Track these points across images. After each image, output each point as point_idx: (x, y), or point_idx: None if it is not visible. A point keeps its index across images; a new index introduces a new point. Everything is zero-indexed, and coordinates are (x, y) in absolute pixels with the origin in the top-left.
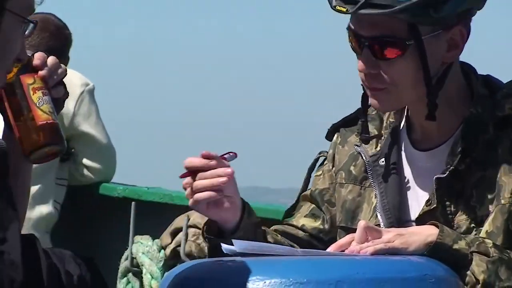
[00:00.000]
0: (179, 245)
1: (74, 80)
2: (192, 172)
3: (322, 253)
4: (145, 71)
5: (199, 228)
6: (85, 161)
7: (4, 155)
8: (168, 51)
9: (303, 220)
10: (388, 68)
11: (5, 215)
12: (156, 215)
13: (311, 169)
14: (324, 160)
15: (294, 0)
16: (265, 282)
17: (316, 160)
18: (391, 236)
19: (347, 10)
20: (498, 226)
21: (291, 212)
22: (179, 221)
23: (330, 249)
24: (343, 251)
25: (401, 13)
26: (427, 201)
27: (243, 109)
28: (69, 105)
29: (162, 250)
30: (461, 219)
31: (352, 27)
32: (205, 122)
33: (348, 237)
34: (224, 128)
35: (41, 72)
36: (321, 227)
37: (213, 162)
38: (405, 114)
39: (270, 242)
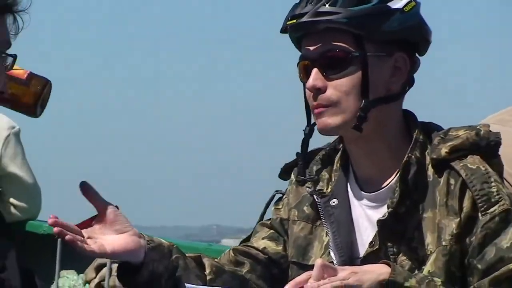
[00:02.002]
0: (103, 280)
1: (0, 123)
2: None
3: None
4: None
5: None
6: (12, 200)
7: None
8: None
9: (263, 242)
10: (334, 82)
11: (3, 245)
12: None
13: (267, 205)
14: (281, 196)
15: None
16: None
17: (273, 197)
18: (346, 274)
19: (296, 21)
20: (440, 266)
21: (246, 240)
22: None
23: (288, 286)
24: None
25: (346, 21)
26: (371, 242)
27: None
28: None
29: (87, 284)
30: (403, 259)
31: (302, 54)
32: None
33: (305, 275)
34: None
35: None
36: (283, 252)
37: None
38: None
39: (204, 267)
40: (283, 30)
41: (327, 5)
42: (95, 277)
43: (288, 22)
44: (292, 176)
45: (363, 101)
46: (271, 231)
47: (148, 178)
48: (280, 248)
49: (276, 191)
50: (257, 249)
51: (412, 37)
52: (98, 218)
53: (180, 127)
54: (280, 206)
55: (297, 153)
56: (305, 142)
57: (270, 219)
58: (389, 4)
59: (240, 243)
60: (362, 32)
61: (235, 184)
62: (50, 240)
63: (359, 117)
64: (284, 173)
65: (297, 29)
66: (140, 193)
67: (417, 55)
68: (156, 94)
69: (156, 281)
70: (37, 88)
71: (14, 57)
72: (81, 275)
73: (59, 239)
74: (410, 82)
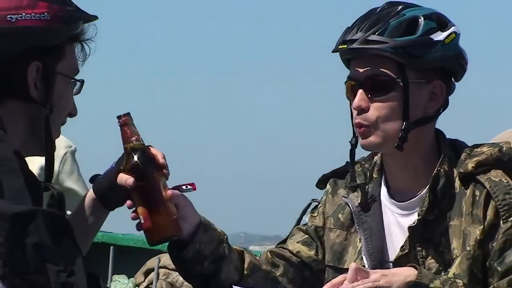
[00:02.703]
0: (151, 283)
1: (59, 142)
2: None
3: None
4: None
5: (169, 269)
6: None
7: (63, 200)
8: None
9: (298, 246)
10: (377, 104)
11: (72, 252)
12: (131, 257)
13: (303, 212)
14: (317, 204)
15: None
16: None
17: (309, 204)
18: (377, 276)
19: (347, 46)
20: (464, 269)
21: (283, 242)
22: (151, 262)
23: (325, 287)
24: None
25: (392, 50)
26: (402, 247)
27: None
28: (55, 164)
29: (137, 287)
30: (431, 262)
31: (350, 75)
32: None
33: (340, 277)
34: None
35: (166, 172)
36: (315, 257)
37: None
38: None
39: (245, 261)
40: (334, 51)
41: (376, 34)
42: (143, 281)
43: (340, 46)
44: (328, 186)
45: (404, 123)
46: (306, 236)
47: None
48: (312, 253)
49: (313, 199)
50: (291, 252)
51: (450, 66)
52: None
53: (211, 140)
54: (316, 214)
55: (347, 162)
56: (352, 152)
57: (305, 224)
58: (432, 36)
59: (277, 245)
60: (405, 61)
61: (261, 194)
62: (103, 248)
63: (401, 137)
64: (322, 183)
65: (347, 53)
66: None
67: (453, 80)
68: (181, 101)
69: (200, 261)
70: (172, 232)
71: (82, 82)
72: (131, 279)
73: (111, 247)
74: (444, 105)
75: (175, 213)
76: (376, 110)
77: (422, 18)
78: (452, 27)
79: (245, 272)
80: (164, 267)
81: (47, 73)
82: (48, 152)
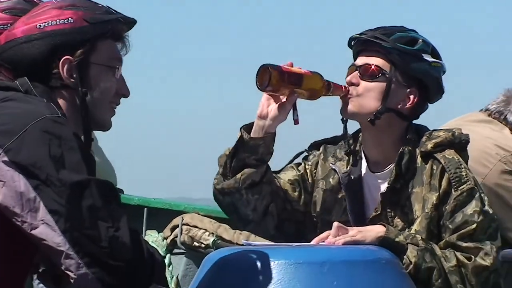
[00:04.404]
0: (176, 236)
1: None
2: None
3: (309, 245)
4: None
5: (190, 226)
6: None
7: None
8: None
9: (286, 185)
10: (365, 83)
11: (118, 212)
12: (160, 216)
13: (297, 155)
14: (307, 156)
15: None
16: (273, 263)
17: (302, 152)
18: (354, 232)
19: (360, 35)
20: (423, 226)
21: (277, 172)
22: (176, 220)
23: (314, 241)
24: (323, 242)
25: (390, 48)
26: (375, 208)
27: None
28: None
29: (165, 240)
30: (398, 221)
31: (353, 62)
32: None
33: (325, 233)
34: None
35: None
36: (297, 199)
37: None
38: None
39: (268, 173)
40: (349, 44)
41: (383, 35)
42: (170, 235)
43: (353, 36)
44: (320, 151)
45: (381, 105)
46: (296, 177)
47: (202, 155)
48: (296, 194)
49: (306, 149)
50: (281, 185)
51: (428, 82)
52: None
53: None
54: (307, 167)
55: (342, 134)
56: (345, 127)
57: (299, 164)
58: (423, 54)
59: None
60: (397, 62)
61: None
62: (138, 209)
63: (375, 114)
64: (313, 147)
65: (357, 42)
66: (193, 168)
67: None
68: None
69: (253, 153)
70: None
71: (116, 67)
72: (161, 233)
73: (145, 209)
74: (415, 116)
75: (295, 94)
76: (362, 86)
77: (421, 40)
78: (442, 61)
79: (264, 180)
80: (186, 224)
81: (81, 64)
82: (86, 126)
